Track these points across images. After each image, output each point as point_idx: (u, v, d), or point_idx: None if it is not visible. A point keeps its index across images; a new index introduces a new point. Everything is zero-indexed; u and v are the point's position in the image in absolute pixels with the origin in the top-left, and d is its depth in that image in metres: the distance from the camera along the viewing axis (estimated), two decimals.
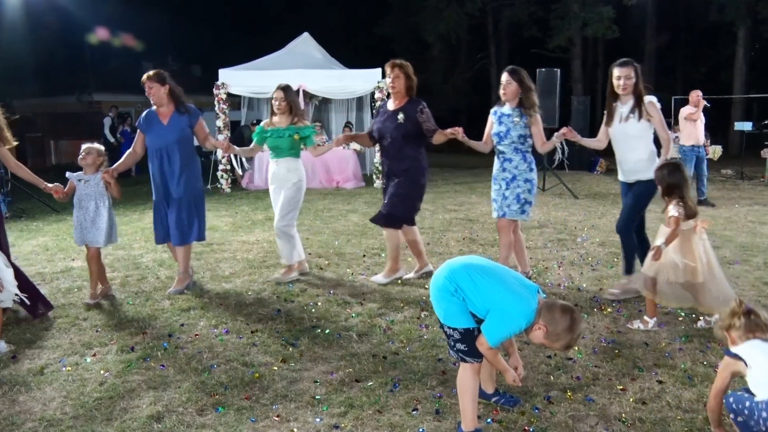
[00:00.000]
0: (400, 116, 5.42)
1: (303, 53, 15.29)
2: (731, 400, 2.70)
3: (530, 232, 8.02)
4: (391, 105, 5.62)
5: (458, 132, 5.26)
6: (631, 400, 3.33)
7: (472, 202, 11.01)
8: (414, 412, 3.20)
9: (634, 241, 5.19)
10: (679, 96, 18.77)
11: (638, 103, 5.00)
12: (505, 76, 5.30)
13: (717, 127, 11.23)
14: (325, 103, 16.39)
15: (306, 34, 16.06)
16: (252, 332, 4.38)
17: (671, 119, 18.66)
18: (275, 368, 3.75)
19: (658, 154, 5.08)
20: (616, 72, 5.01)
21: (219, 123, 13.12)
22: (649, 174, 4.87)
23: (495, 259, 4.90)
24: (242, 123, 16.00)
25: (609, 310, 4.86)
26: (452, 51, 31.15)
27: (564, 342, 2.75)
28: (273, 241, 7.50)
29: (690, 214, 4.29)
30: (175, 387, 3.50)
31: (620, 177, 5.29)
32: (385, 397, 3.37)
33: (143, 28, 27.05)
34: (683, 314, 4.72)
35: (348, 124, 15.19)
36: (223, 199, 11.91)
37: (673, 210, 4.24)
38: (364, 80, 14.03)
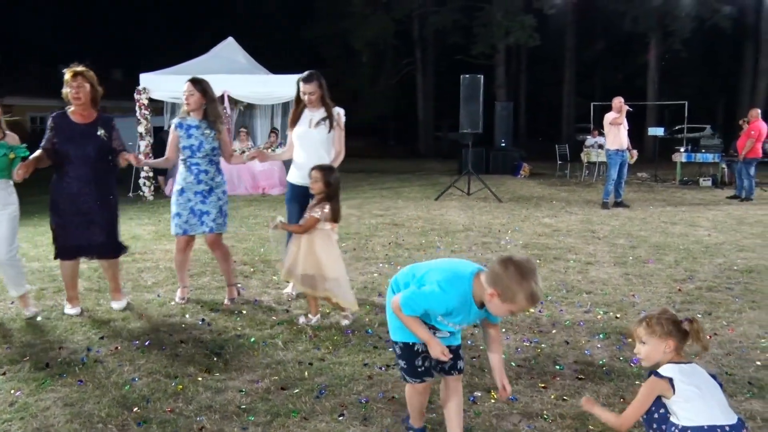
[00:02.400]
0: (101, 132, 4.93)
1: (227, 58, 15.08)
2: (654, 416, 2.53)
3: (455, 236, 8.17)
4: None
5: (141, 161, 5.24)
6: (552, 396, 3.44)
7: (399, 207, 11.11)
8: (341, 418, 3.21)
9: None
10: (598, 102, 19.50)
11: (329, 113, 5.20)
12: (188, 87, 5.13)
13: (632, 132, 11.75)
14: (249, 108, 16.20)
15: (230, 39, 15.85)
16: (175, 343, 4.29)
17: (591, 124, 19.40)
18: (199, 379, 3.69)
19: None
20: (302, 87, 5.16)
21: (140, 129, 12.79)
22: None
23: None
24: (165, 128, 15.63)
25: (532, 310, 4.99)
26: (379, 57, 31.38)
27: (523, 295, 2.41)
28: (197, 250, 7.36)
29: (335, 218, 4.60)
30: (94, 402, 3.39)
31: (292, 179, 5.35)
32: (311, 404, 3.36)
33: (60, 30, 26.11)
34: (601, 312, 4.91)
35: (274, 130, 15.05)
36: (145, 206, 11.61)
37: (317, 212, 4.50)
38: (289, 86, 13.88)
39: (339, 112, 5.30)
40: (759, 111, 13.09)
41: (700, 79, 33.14)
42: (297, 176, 5.32)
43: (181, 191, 5.16)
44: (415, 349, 2.72)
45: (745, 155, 12.49)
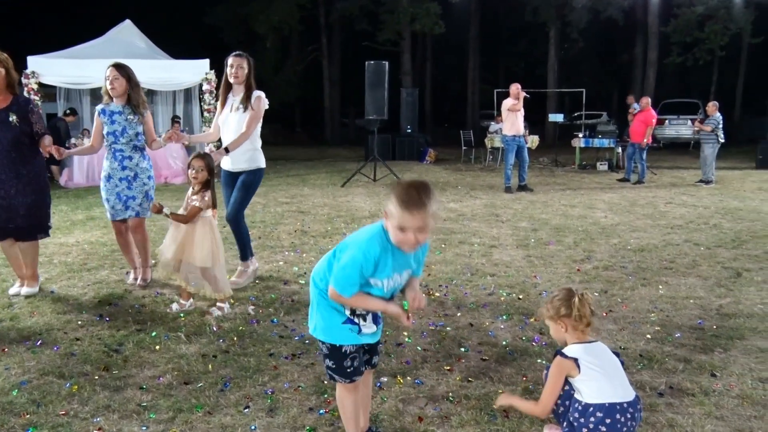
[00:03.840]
0: (13, 118, 4.83)
1: (125, 41, 14.46)
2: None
3: (361, 222, 8.18)
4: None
5: (63, 153, 5.02)
6: (458, 378, 3.50)
7: (305, 194, 11.03)
8: (246, 411, 3.15)
9: (246, 229, 5.49)
10: (501, 89, 20.00)
11: (248, 95, 5.25)
12: (112, 72, 5.09)
13: (534, 118, 12.16)
14: (150, 95, 15.60)
15: (128, 21, 15.19)
16: (71, 341, 4.08)
17: (494, 110, 19.87)
18: (96, 378, 3.52)
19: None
20: (230, 61, 5.23)
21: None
22: (255, 164, 5.35)
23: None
24: (59, 115, 14.86)
25: (437, 294, 5.07)
26: (284, 43, 30.94)
27: (396, 201, 2.30)
28: (94, 242, 7.07)
29: (213, 205, 4.68)
30: None
31: (225, 166, 5.42)
32: (215, 397, 3.28)
33: None
34: (504, 294, 5.04)
35: (175, 118, 14.59)
36: None
37: (197, 200, 4.55)
38: (192, 72, 13.57)
39: (258, 95, 5.25)
40: (649, 99, 13.82)
41: (596, 68, 34.62)
42: (225, 161, 5.38)
43: (108, 177, 5.21)
44: (343, 351, 2.58)
45: (637, 140, 13.15)
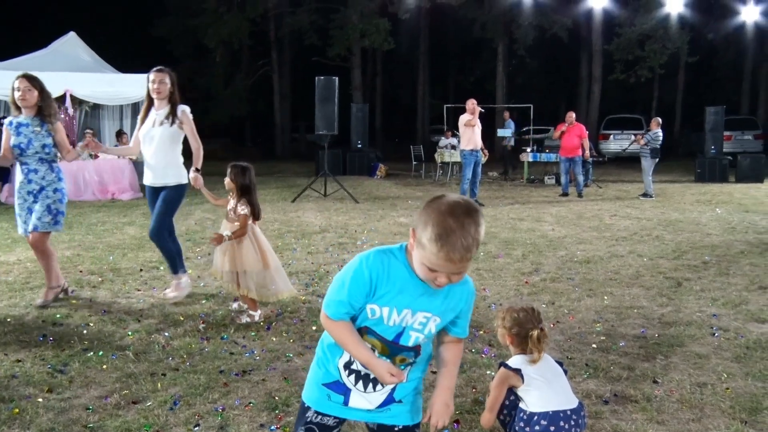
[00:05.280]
0: None
1: (69, 54, 14.19)
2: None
3: (311, 238, 8.18)
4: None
5: None
6: None
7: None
8: (196, 429, 3.11)
9: (170, 245, 5.44)
10: (451, 104, 20.28)
11: (173, 110, 5.28)
12: (23, 83, 4.98)
13: (484, 133, 12.41)
14: (96, 109, 15.33)
15: (72, 34, 14.92)
16: (11, 363, 3.96)
17: (444, 125, 20.13)
18: (40, 400, 3.43)
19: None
20: (152, 76, 5.26)
21: None
22: (178, 179, 5.34)
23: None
24: None
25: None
26: (234, 56, 30.76)
27: (431, 234, 1.69)
28: (36, 261, 6.87)
29: (256, 214, 4.79)
30: None
31: (146, 181, 5.41)
32: (164, 416, 3.23)
33: None
34: None
35: (122, 132, 14.34)
36: None
37: (242, 209, 4.66)
38: (139, 85, 13.33)
39: (183, 109, 5.24)
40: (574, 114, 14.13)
41: (543, 83, 35.40)
42: (147, 177, 5.34)
43: (18, 191, 5.08)
44: (305, 412, 2.07)
45: (574, 155, 13.44)
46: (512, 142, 19.21)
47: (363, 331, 1.94)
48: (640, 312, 4.99)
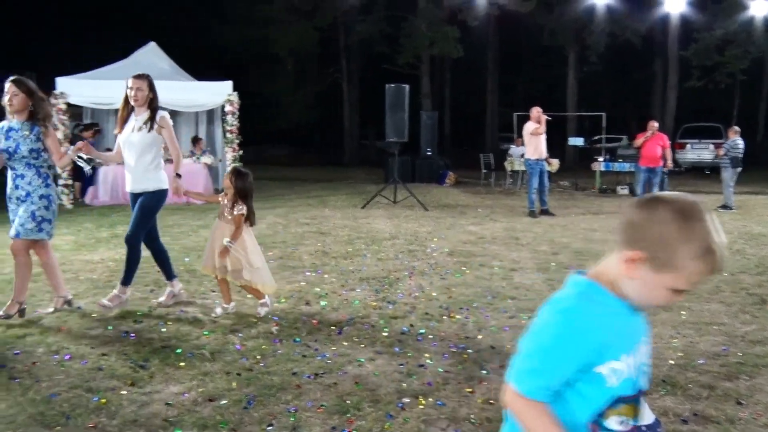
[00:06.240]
0: None
1: (149, 63, 14.66)
2: None
3: (382, 244, 8.23)
4: None
5: None
6: (479, 401, 3.51)
7: (325, 216, 11.09)
8: (269, 428, 3.18)
9: (139, 253, 5.37)
10: (521, 112, 20.04)
11: (152, 116, 5.26)
12: (11, 87, 4.89)
13: (554, 142, 12.20)
14: (173, 115, 15.82)
15: (152, 44, 15.48)
16: (98, 356, 4.15)
17: (514, 134, 19.92)
18: (123, 392, 3.58)
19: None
20: (130, 83, 5.25)
21: (59, 135, 12.30)
22: (156, 184, 5.32)
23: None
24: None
25: (458, 317, 5.08)
26: (302, 64, 31.25)
27: (696, 250, 1.38)
28: (119, 260, 7.15)
29: (251, 220, 5.07)
30: (8, 422, 3.23)
31: (127, 188, 5.42)
32: (239, 414, 3.32)
33: None
34: (525, 318, 5.04)
35: (197, 138, 14.78)
36: (64, 216, 11.16)
37: (239, 209, 4.93)
38: (213, 93, 13.76)
39: (163, 115, 5.27)
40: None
41: (615, 91, 34.59)
42: (128, 183, 5.38)
43: (9, 197, 5.02)
44: None
45: (655, 165, 13.05)
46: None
47: (610, 407, 1.49)
48: (720, 329, 4.81)
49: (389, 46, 27.50)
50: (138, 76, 5.22)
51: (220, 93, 13.61)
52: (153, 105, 5.23)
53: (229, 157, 13.55)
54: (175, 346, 4.33)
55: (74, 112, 13.87)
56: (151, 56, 15.15)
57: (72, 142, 12.59)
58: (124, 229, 8.45)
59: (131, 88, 5.16)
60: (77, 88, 12.74)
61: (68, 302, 5.25)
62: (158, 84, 13.77)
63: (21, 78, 4.97)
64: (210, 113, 15.50)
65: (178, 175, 5.28)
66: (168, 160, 5.54)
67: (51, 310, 5.13)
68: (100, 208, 12.17)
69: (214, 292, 5.79)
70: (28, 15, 29.98)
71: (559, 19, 26.37)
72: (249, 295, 5.58)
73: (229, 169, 5.08)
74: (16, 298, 5.00)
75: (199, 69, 16.20)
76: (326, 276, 6.47)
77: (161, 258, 5.51)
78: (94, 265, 6.97)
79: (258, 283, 5.03)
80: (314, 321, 4.93)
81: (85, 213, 11.41)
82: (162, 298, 5.44)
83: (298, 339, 4.50)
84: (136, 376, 3.81)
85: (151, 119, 5.19)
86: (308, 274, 6.56)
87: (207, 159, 13.74)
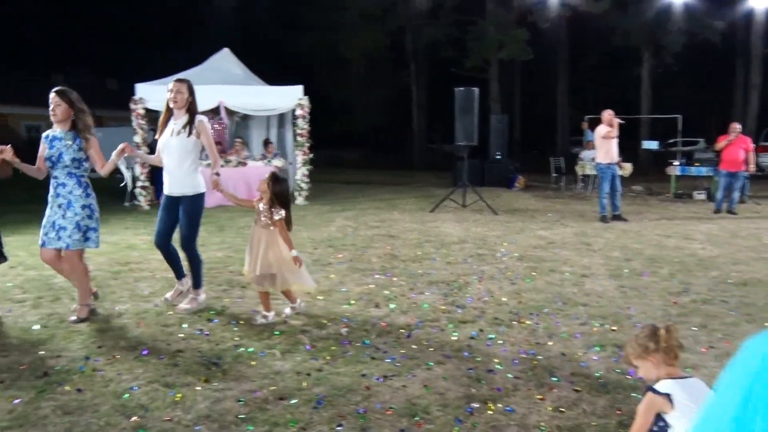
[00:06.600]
0: None
1: (222, 69, 15.11)
2: None
3: (451, 248, 8.19)
4: None
5: (7, 151, 4.83)
6: (549, 408, 3.46)
7: (394, 219, 11.13)
8: (339, 429, 3.21)
9: (198, 257, 5.49)
10: (591, 115, 19.60)
11: (191, 120, 5.26)
12: (54, 98, 5.04)
13: (626, 145, 11.86)
14: (245, 119, 16.24)
15: (226, 50, 15.90)
16: (173, 352, 4.29)
17: (583, 137, 19.51)
18: (197, 388, 3.69)
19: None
20: (170, 86, 5.27)
21: (137, 139, 12.79)
22: (195, 188, 5.32)
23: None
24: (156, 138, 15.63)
25: (528, 322, 5.02)
26: (372, 68, 31.49)
27: None
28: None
29: (289, 224, 5.04)
30: (92, 411, 3.39)
31: (165, 191, 5.43)
32: (309, 414, 3.37)
33: (54, 39, 26.15)
34: (597, 325, 4.93)
35: (269, 141, 15.08)
36: (141, 216, 11.59)
37: (278, 213, 4.92)
38: (284, 97, 14.00)
39: (201, 119, 5.32)
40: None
41: (692, 93, 33.43)
42: (166, 186, 5.41)
43: (50, 203, 5.11)
44: None
45: (737, 169, 12.51)
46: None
47: None
48: None
49: (457, 50, 27.41)
50: (179, 80, 5.30)
51: (290, 97, 13.85)
52: (192, 109, 5.29)
53: (300, 160, 13.78)
54: (247, 345, 4.43)
55: (152, 117, 14.36)
56: (224, 62, 15.58)
57: (151, 147, 13.06)
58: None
59: (171, 91, 5.23)
60: (155, 94, 13.18)
61: (92, 311, 5.25)
62: (231, 89, 14.19)
63: (64, 89, 5.12)
64: (281, 117, 15.81)
65: (217, 174, 5.29)
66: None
67: (74, 318, 5.06)
68: None
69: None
70: (113, 26, 31.30)
71: (633, 19, 25.68)
72: (320, 296, 5.68)
73: (268, 175, 5.05)
74: (82, 302, 5.14)
75: (271, 74, 16.52)
76: (395, 279, 6.49)
77: (172, 258, 5.57)
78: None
79: (296, 283, 5.03)
80: (383, 323, 4.95)
81: (154, 214, 11.77)
82: (168, 295, 5.58)
83: (367, 341, 4.53)
84: (209, 373, 3.92)
85: (190, 123, 5.24)
86: (377, 276, 6.60)
87: (278, 162, 13.99)
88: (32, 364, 4.08)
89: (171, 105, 5.27)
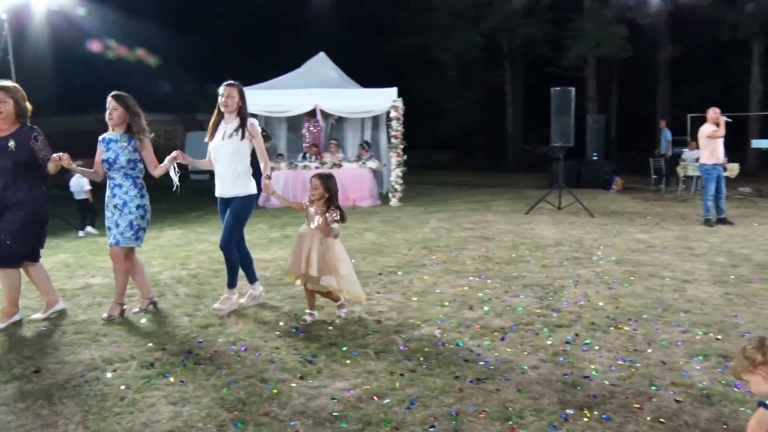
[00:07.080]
0: (11, 143, 4.98)
1: (318, 72, 15.45)
2: None
3: (546, 250, 8.03)
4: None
5: (64, 158, 4.95)
6: (648, 418, 3.33)
7: (488, 221, 11.02)
8: (431, 430, 3.22)
9: (237, 257, 5.42)
10: (695, 113, 18.73)
11: (242, 123, 5.26)
12: (111, 103, 5.22)
13: (733, 144, 11.24)
14: (341, 122, 16.52)
15: (322, 54, 16.25)
16: (270, 349, 4.42)
17: (687, 137, 18.68)
18: (293, 385, 3.79)
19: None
20: (221, 90, 5.23)
21: None
22: (245, 190, 5.29)
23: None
24: None
25: (626, 328, 4.85)
26: (465, 69, 31.27)
27: None
28: (287, 259, 7.56)
29: (344, 218, 5.08)
30: (195, 403, 3.55)
31: (217, 193, 5.44)
32: (402, 414, 3.39)
33: (159, 47, 27.46)
34: (700, 333, 4.71)
35: (364, 143, 15.28)
36: None
37: (334, 217, 4.97)
38: (378, 99, 14.14)
39: (252, 122, 5.36)
40: None
41: None
42: (218, 188, 5.46)
43: (107, 204, 5.31)
44: None
45: None
46: (670, 152, 17.86)
47: None
48: None
49: (553, 49, 26.83)
50: (229, 84, 5.34)
51: (385, 99, 13.97)
52: (243, 113, 5.34)
53: (394, 162, 13.87)
54: (342, 344, 4.50)
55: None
56: (320, 66, 15.92)
57: None
58: (294, 230, 8.94)
59: (222, 95, 5.30)
60: (254, 98, 13.53)
61: (154, 303, 5.55)
62: (327, 92, 14.46)
63: (121, 93, 5.32)
64: (375, 119, 15.98)
65: (268, 177, 5.33)
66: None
67: (137, 310, 5.41)
68: (272, 210, 12.92)
69: (379, 293, 5.96)
70: (212, 32, 32.58)
71: (742, 11, 24.34)
72: (414, 298, 5.71)
73: (314, 176, 5.10)
74: (117, 300, 5.34)
75: (365, 76, 16.74)
76: (489, 281, 6.42)
77: (245, 262, 5.63)
78: (267, 263, 7.42)
79: (343, 290, 5.04)
80: (477, 326, 4.91)
81: (258, 215, 12.14)
82: (243, 300, 5.61)
83: (460, 343, 4.51)
84: (305, 371, 4.01)
85: (242, 127, 5.29)
86: (471, 278, 6.55)
87: (372, 164, 14.14)
88: (140, 356, 4.31)
89: (222, 109, 5.37)
